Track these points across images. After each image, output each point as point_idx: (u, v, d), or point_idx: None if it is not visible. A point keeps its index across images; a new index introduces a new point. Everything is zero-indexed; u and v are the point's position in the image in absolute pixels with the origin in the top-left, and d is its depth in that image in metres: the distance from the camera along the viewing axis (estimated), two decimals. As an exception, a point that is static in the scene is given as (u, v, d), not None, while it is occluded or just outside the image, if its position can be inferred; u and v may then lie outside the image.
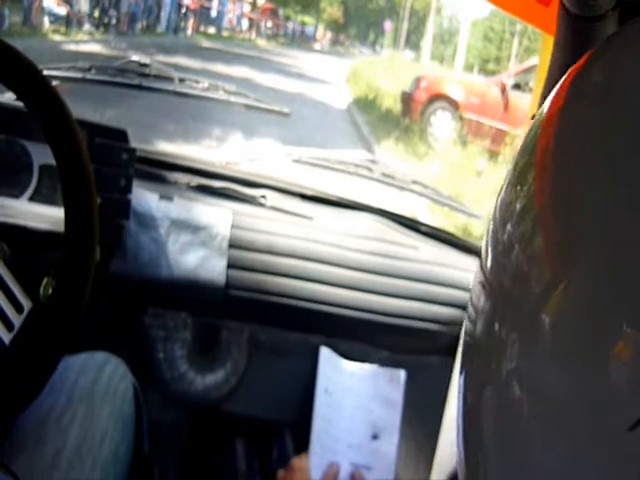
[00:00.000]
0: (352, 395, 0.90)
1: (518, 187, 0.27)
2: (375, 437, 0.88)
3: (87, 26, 12.04)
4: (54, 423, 0.79)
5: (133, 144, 1.06)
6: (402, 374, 0.91)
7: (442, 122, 7.89)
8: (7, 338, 0.62)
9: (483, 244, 0.29)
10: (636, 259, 0.20)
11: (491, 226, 0.29)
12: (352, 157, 1.30)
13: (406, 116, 8.50)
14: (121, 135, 1.05)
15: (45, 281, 0.63)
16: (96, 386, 0.85)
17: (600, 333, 0.20)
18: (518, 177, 0.28)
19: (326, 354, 0.93)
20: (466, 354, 0.30)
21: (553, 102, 0.27)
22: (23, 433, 0.75)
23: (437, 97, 8.12)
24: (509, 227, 0.26)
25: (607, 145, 0.23)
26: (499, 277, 0.27)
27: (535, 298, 0.23)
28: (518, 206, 0.26)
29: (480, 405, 0.27)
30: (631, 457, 0.19)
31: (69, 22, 11.37)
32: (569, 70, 0.28)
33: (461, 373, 0.30)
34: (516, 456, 0.24)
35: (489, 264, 0.28)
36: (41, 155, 1.00)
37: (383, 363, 1.12)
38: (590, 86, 0.26)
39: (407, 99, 8.55)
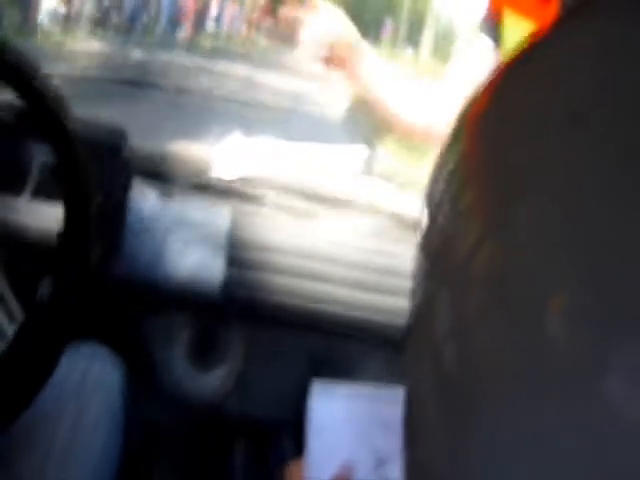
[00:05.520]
0: (350, 423, 0.82)
1: (451, 146, 0.27)
2: (381, 463, 0.82)
3: (87, 25, 12.02)
4: (44, 419, 0.79)
5: (132, 142, 1.05)
6: (402, 393, 0.82)
7: (442, 121, 7.91)
8: (9, 331, 0.62)
9: (419, 211, 0.30)
10: (564, 211, 0.20)
11: (426, 190, 0.29)
12: (353, 155, 1.30)
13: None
14: (120, 134, 1.04)
15: (44, 280, 0.63)
16: (86, 380, 0.86)
17: (533, 286, 0.19)
18: (451, 138, 0.28)
19: (319, 389, 0.82)
20: (406, 339, 0.29)
21: (492, 75, 0.28)
22: (14, 430, 0.75)
23: (437, 96, 8.12)
24: (440, 184, 0.26)
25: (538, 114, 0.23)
26: (431, 236, 0.27)
27: (466, 249, 0.23)
28: (449, 164, 0.26)
29: (417, 384, 0.27)
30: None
31: (69, 21, 11.36)
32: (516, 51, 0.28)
33: (403, 364, 0.29)
34: (458, 429, 0.24)
35: (423, 226, 0.28)
36: (40, 154, 0.99)
37: (383, 363, 1.11)
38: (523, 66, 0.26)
39: (407, 97, 8.54)
